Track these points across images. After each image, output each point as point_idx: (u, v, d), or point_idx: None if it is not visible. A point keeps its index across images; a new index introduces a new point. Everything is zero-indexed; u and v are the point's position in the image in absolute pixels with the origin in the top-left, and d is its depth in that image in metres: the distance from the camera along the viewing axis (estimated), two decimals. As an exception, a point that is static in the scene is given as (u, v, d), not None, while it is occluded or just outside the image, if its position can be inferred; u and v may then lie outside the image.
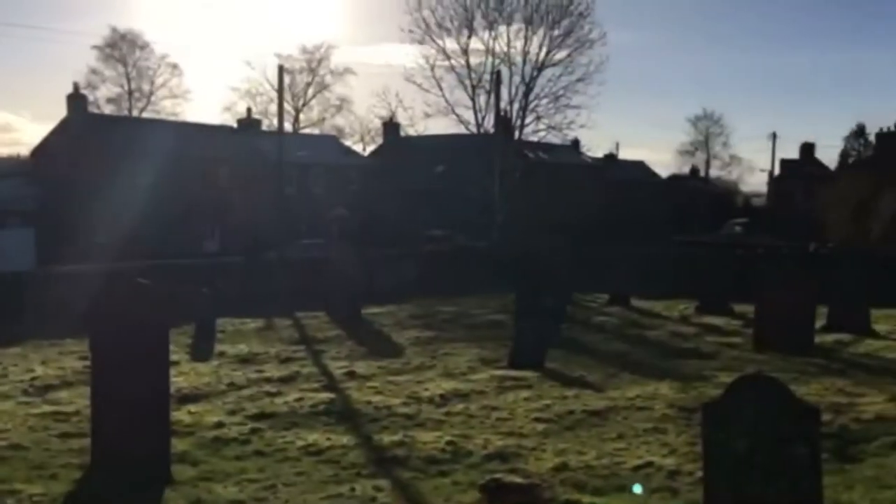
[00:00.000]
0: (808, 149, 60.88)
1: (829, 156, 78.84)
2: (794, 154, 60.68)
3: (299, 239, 28.86)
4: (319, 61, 55.88)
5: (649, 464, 5.99)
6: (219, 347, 11.41)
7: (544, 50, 30.47)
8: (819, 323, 12.61)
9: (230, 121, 46.92)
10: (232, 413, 7.63)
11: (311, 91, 56.08)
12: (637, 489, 5.19)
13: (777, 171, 58.22)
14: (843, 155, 61.34)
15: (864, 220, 27.26)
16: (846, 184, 29.66)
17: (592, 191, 40.90)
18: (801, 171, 54.70)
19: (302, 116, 56.16)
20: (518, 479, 4.94)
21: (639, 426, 7.25)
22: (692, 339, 12.63)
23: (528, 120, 30.69)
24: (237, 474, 5.94)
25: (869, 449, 6.58)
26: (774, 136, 57.44)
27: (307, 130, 54.09)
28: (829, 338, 12.14)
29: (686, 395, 8.38)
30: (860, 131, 61.62)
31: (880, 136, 43.08)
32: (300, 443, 6.66)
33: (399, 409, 7.81)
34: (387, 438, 6.78)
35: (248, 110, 46.75)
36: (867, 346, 11.63)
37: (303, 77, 55.59)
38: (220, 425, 7.13)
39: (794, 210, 45.86)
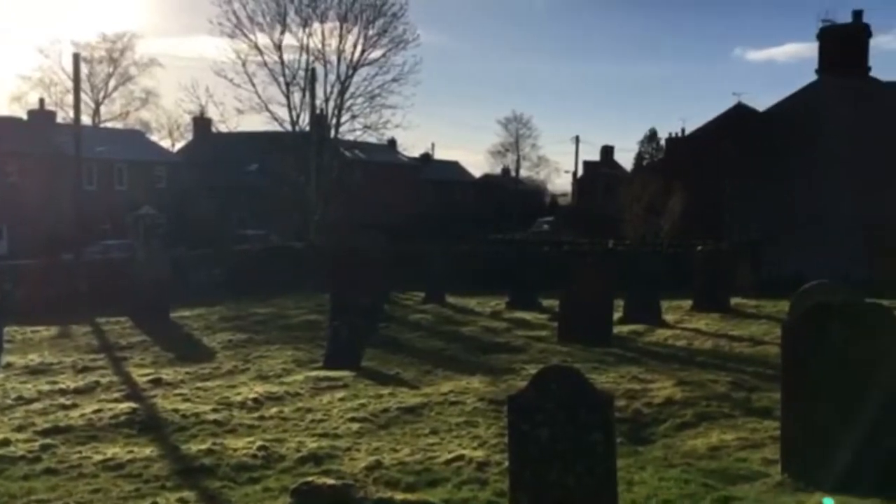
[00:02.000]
0: (607, 152, 65.09)
1: (627, 158, 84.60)
2: (596, 156, 64.68)
3: (102, 239, 27.06)
4: (122, 51, 52.80)
5: (460, 457, 6.13)
6: (6, 359, 10.45)
7: (359, 49, 30.43)
8: (617, 315, 13.48)
9: (19, 112, 43.32)
10: (19, 429, 7.02)
11: (112, 82, 52.85)
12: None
13: (580, 172, 61.72)
14: (639, 158, 66.13)
15: (656, 218, 29.46)
16: (640, 184, 31.90)
17: (408, 190, 41.42)
18: (601, 173, 58.32)
19: (103, 109, 52.83)
20: (330, 481, 4.89)
21: (451, 421, 7.41)
22: (503, 333, 13.08)
23: (343, 119, 30.53)
24: (24, 496, 5.46)
25: (659, 431, 7.11)
26: (578, 139, 60.90)
27: (110, 124, 50.93)
28: (626, 328, 12.98)
29: (496, 388, 8.66)
30: (653, 136, 66.72)
31: (669, 140, 47.08)
32: (97, 457, 6.23)
33: (208, 415, 7.51)
34: (194, 447, 6.49)
35: (41, 101, 43.28)
36: (658, 336, 12.54)
37: (103, 67, 52.28)
38: (5, 443, 6.53)
39: (595, 209, 48.75)
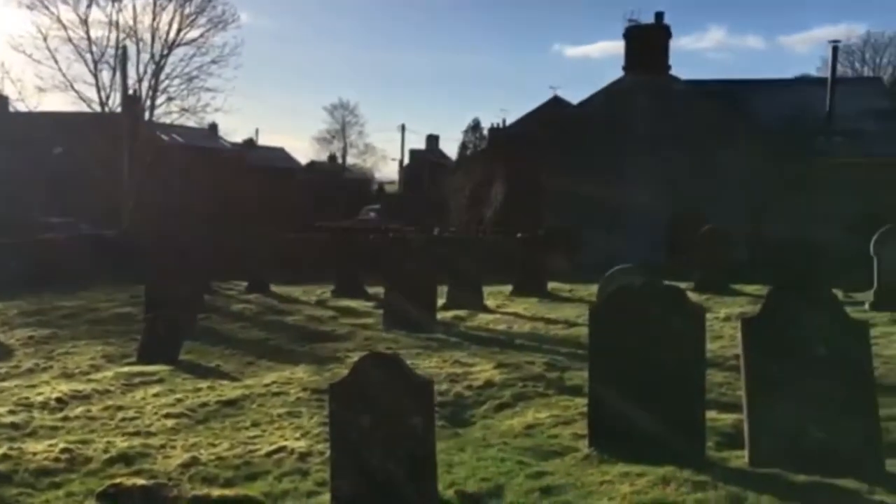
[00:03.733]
0: (433, 140, 66.15)
1: (452, 147, 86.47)
2: (422, 145, 65.56)
3: None
4: None
5: (282, 448, 6.03)
6: None
7: (175, 27, 29.10)
8: (441, 301, 13.76)
9: None
10: None
11: None
12: None
13: (407, 160, 62.26)
14: (463, 147, 67.62)
15: (479, 206, 30.28)
16: (464, 173, 32.69)
17: (231, 176, 40.06)
18: (427, 161, 59.21)
19: None
20: (140, 481, 4.65)
21: (274, 412, 7.27)
22: (328, 322, 12.99)
23: (159, 101, 29.18)
24: None
25: (479, 412, 7.33)
26: (404, 127, 61.39)
27: None
28: (450, 314, 13.28)
29: (320, 377, 8.59)
30: (476, 126, 68.43)
31: (492, 130, 48.56)
32: None
33: (4, 418, 6.93)
34: (-13, 454, 5.96)
35: None
36: (480, 320, 12.92)
37: None
38: None
39: (422, 197, 49.45)
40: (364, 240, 21.63)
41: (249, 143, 55.75)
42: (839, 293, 12.74)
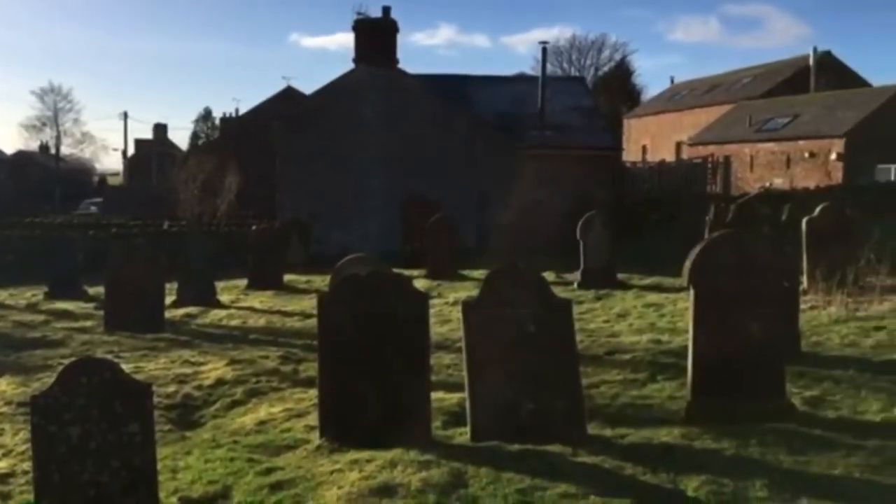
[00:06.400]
0: (161, 129, 62.55)
1: (182, 137, 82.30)
2: (149, 134, 61.73)
3: None
4: None
5: (-20, 472, 5.39)
6: None
7: None
8: (170, 298, 13.08)
9: None
10: None
11: None
12: None
13: (132, 150, 58.38)
14: (194, 136, 64.76)
15: (211, 198, 29.15)
16: (195, 164, 31.24)
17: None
18: (154, 152, 55.91)
19: None
20: None
21: (-31, 432, 6.47)
22: (40, 327, 11.84)
23: None
24: None
25: (209, 412, 7.07)
26: (126, 115, 57.50)
27: None
28: (180, 312, 12.67)
29: (28, 388, 7.77)
30: (208, 115, 65.83)
31: (224, 120, 46.98)
32: None
33: None
34: None
35: None
36: (213, 317, 12.47)
37: None
38: None
39: (149, 189, 46.60)
40: (83, 236, 19.96)
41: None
42: (552, 274, 13.95)
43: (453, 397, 6.50)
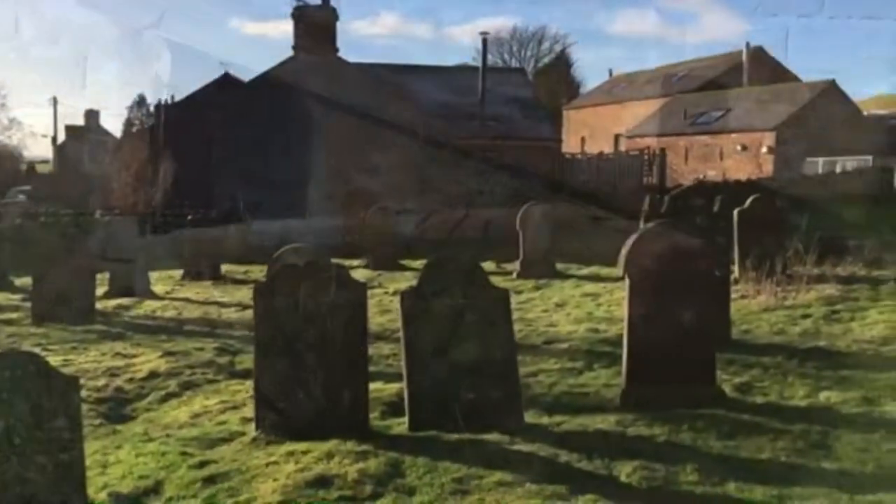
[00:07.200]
0: (93, 116, 60.77)
1: (116, 124, 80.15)
2: (80, 121, 59.90)
3: None
4: None
5: None
6: None
7: None
8: (102, 289, 12.75)
9: None
10: None
11: None
12: None
13: (62, 137, 56.68)
14: (128, 123, 63.01)
15: (147, 186, 28.48)
16: (129, 151, 30.50)
17: None
18: (87, 138, 54.32)
19: None
20: None
21: None
22: (-38, 321, 11.40)
23: None
24: None
25: (141, 406, 6.90)
26: (55, 100, 55.71)
27: None
28: (112, 303, 12.36)
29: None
30: (142, 101, 64.06)
31: (159, 107, 45.79)
32: None
33: None
34: None
35: None
36: (147, 308, 12.19)
37: None
38: None
39: (82, 176, 45.26)
40: (9, 226, 19.31)
41: None
42: (492, 264, 14.05)
43: (392, 387, 6.48)
